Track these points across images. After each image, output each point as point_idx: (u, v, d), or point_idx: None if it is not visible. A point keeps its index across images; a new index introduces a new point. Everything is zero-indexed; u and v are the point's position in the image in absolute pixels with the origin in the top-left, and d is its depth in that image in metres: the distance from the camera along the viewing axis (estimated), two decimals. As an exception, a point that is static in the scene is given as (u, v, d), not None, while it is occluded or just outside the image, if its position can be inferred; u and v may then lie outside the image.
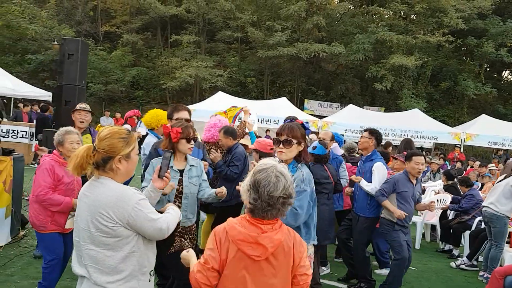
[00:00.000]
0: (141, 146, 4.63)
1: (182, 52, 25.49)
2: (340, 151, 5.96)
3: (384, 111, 23.08)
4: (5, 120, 10.17)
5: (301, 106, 23.67)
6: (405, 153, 5.27)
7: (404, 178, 4.65)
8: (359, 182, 4.82)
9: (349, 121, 15.92)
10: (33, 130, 11.51)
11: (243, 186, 1.96)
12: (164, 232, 2.07)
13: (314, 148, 4.59)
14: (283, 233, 1.92)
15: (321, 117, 19.33)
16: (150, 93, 25.91)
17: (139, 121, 12.10)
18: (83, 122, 4.77)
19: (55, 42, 20.39)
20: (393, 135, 15.25)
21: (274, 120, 15.29)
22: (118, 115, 15.97)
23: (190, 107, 16.37)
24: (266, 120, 15.50)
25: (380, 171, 4.79)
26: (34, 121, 13.01)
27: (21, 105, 15.00)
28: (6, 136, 10.72)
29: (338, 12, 25.53)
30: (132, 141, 2.08)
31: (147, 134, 5.14)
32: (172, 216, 2.18)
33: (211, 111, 15.18)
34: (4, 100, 16.67)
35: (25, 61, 22.92)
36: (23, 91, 14.78)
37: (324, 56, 23.24)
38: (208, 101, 17.08)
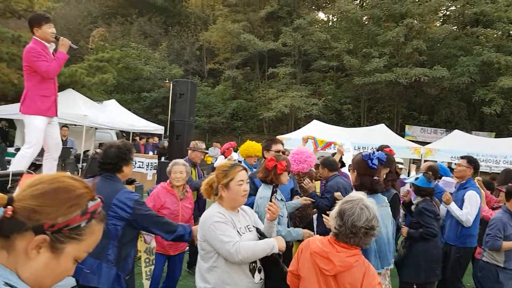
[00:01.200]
0: None
1: (278, 84, 26.43)
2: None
3: (495, 137, 21.19)
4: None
5: (402, 132, 22.83)
6: (510, 185, 4.92)
7: (509, 218, 4.20)
8: (449, 204, 4.61)
9: (455, 147, 14.93)
10: (149, 160, 12.86)
11: (332, 213, 2.21)
12: (234, 256, 2.30)
13: (416, 178, 4.51)
14: (355, 260, 2.09)
15: (424, 143, 18.43)
16: (248, 123, 27.12)
17: (236, 152, 12.84)
18: (196, 159, 5.57)
19: (167, 81, 22.59)
20: (504, 162, 13.95)
21: (372, 148, 14.94)
22: (218, 145, 17.06)
23: (285, 136, 16.90)
24: (363, 147, 15.24)
25: (471, 200, 4.55)
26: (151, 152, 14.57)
27: (137, 138, 16.82)
28: (126, 166, 12.13)
29: (439, 35, 24.49)
30: (231, 173, 2.49)
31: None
32: (252, 245, 2.38)
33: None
34: (124, 134, 18.83)
35: (141, 98, 25.67)
36: (139, 126, 16.54)
37: (425, 80, 22.31)
38: (303, 130, 17.28)
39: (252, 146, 5.44)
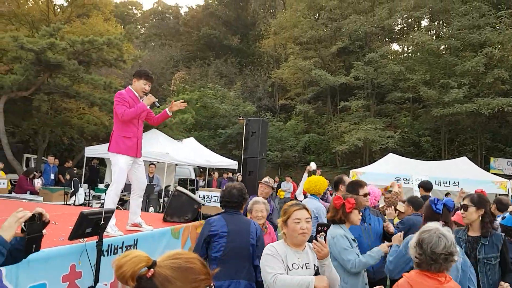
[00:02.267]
0: None
1: (351, 117, 26.22)
2: None
3: None
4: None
5: (486, 165, 21.31)
6: None
7: None
8: None
9: (547, 181, 13.69)
10: (223, 195, 13.39)
11: (411, 244, 2.34)
12: (270, 287, 2.56)
13: (503, 218, 4.23)
14: (452, 283, 2.23)
15: (511, 177, 17.05)
16: (321, 157, 27.01)
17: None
18: (262, 193, 5.67)
19: (240, 118, 23.53)
20: None
21: (454, 182, 14.16)
22: (290, 179, 17.25)
23: (359, 170, 16.61)
24: (444, 182, 14.47)
25: None
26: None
27: (213, 173, 17.58)
28: (202, 201, 12.73)
29: (523, 62, 22.91)
30: (289, 212, 2.72)
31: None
32: (288, 279, 2.54)
33: (382, 174, 15.10)
34: (201, 169, 19.77)
35: (216, 135, 26.85)
36: (215, 161, 17.29)
37: (510, 110, 20.85)
38: (378, 163, 16.96)
39: (317, 182, 5.51)
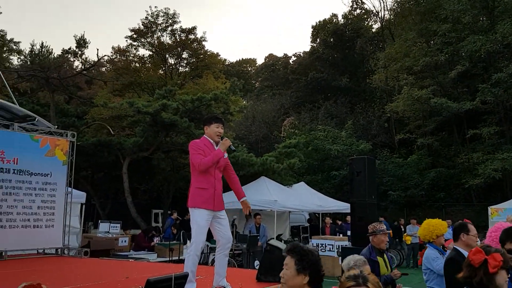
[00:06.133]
0: None
1: (483, 145, 23.25)
2: None
3: None
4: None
5: None
6: None
7: None
8: None
9: None
10: (339, 243, 12.39)
11: None
12: None
13: None
14: None
15: None
16: (452, 193, 24.16)
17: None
18: (381, 244, 4.77)
19: (354, 157, 22.44)
20: None
21: None
22: (414, 221, 15.42)
23: (500, 206, 14.27)
24: None
25: None
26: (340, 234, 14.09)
27: (327, 218, 16.66)
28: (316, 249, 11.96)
29: None
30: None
31: None
32: None
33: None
34: (316, 214, 19.01)
35: (331, 177, 25.90)
36: (328, 206, 16.43)
37: None
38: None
39: (434, 224, 4.55)
